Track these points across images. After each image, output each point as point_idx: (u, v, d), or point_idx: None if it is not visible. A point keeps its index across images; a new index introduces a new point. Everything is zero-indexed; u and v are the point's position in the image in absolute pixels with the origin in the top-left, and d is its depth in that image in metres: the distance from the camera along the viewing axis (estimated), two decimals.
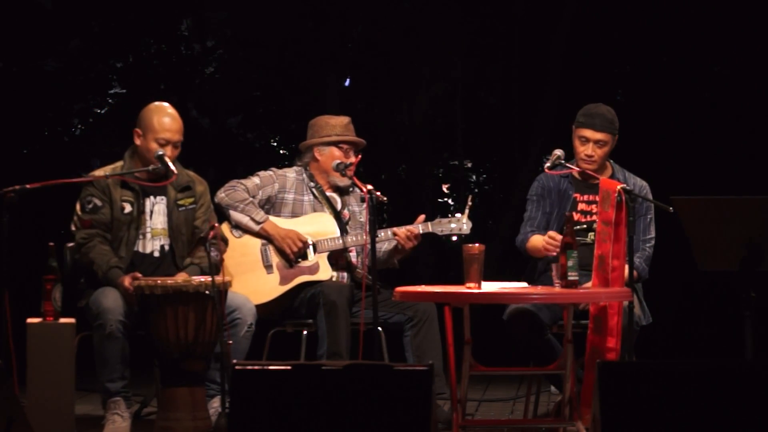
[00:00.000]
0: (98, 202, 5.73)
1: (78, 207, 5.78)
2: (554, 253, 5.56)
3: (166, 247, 5.82)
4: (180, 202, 5.85)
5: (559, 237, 5.52)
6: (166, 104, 5.86)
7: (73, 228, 5.77)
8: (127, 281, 5.56)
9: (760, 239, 4.66)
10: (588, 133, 5.81)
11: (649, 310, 5.87)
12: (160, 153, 5.73)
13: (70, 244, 5.93)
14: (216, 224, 5.77)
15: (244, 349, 5.69)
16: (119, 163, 5.84)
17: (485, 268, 5.20)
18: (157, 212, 5.81)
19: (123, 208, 5.75)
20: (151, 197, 5.81)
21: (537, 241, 5.83)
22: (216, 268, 5.42)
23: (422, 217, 6.05)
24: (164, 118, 5.78)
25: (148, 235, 5.80)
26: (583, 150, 5.83)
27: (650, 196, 5.89)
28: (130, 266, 5.69)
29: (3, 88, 10.00)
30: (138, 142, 5.79)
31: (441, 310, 5.28)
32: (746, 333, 4.71)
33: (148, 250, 5.79)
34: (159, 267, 5.77)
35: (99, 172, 5.82)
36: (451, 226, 6.01)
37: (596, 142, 5.81)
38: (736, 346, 4.91)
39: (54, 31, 10.23)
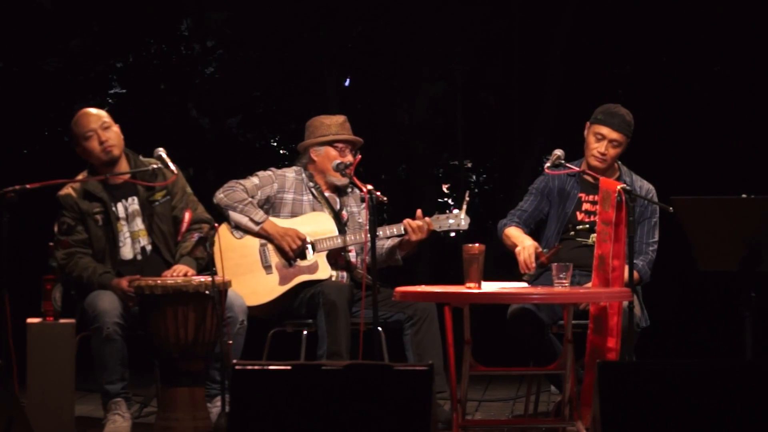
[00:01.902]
0: (71, 222, 5.69)
1: (56, 229, 5.75)
2: (524, 271, 5.70)
3: (148, 248, 5.78)
4: (152, 198, 5.81)
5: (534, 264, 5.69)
6: (83, 109, 5.85)
7: (54, 250, 5.73)
8: (124, 282, 5.55)
9: (760, 239, 4.66)
10: (605, 131, 5.81)
11: (648, 310, 5.87)
12: (160, 152, 5.73)
13: None
14: (216, 225, 5.75)
15: (238, 345, 5.68)
16: (84, 173, 5.79)
17: (485, 268, 5.21)
18: (132, 214, 5.78)
19: (96, 221, 5.72)
20: (123, 201, 5.76)
21: (512, 233, 5.86)
22: (210, 240, 5.40)
23: (420, 211, 6.04)
24: (79, 118, 5.76)
25: (128, 241, 5.76)
26: (597, 147, 5.82)
27: (656, 201, 5.88)
28: (117, 276, 5.67)
29: (3, 88, 10.00)
30: (81, 155, 5.76)
31: (441, 309, 5.28)
32: (746, 333, 4.71)
33: (130, 256, 5.75)
34: (143, 270, 5.71)
35: (63, 192, 5.74)
36: (449, 222, 6.01)
37: (611, 141, 5.81)
38: (736, 346, 4.91)
39: (54, 31, 10.23)
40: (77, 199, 5.70)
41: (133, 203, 5.77)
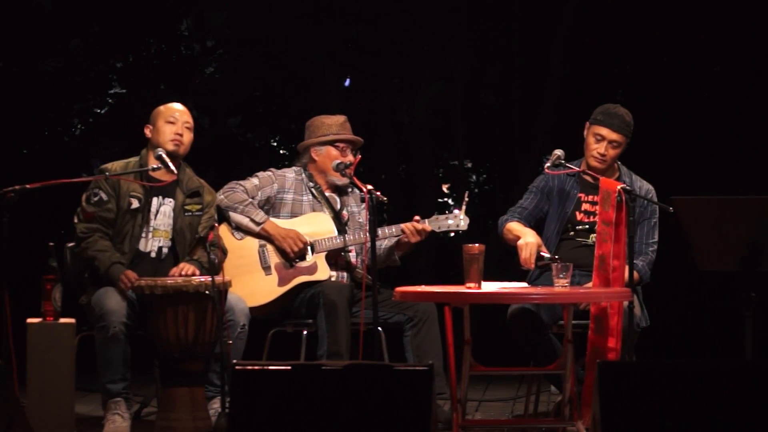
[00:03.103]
0: (104, 196, 5.74)
1: (83, 198, 5.78)
2: (524, 266, 5.69)
3: (165, 250, 5.82)
4: (187, 207, 5.85)
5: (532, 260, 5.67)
6: None
7: (76, 220, 5.77)
8: (131, 275, 5.56)
9: (760, 239, 4.66)
10: (604, 131, 5.81)
11: (648, 310, 5.87)
12: (160, 152, 5.75)
13: (70, 244, 5.93)
14: (216, 225, 5.75)
15: (239, 349, 5.70)
16: (134, 159, 5.86)
17: (485, 268, 5.21)
18: (162, 213, 5.82)
19: (130, 204, 5.76)
20: (159, 197, 5.82)
21: (514, 226, 5.86)
22: (215, 268, 5.41)
23: (417, 218, 6.05)
24: (171, 105, 5.92)
25: (150, 235, 5.80)
26: (596, 148, 5.82)
27: (656, 201, 5.88)
28: (130, 264, 5.70)
29: (3, 88, 9.99)
30: (149, 134, 5.84)
31: (441, 310, 5.28)
32: (746, 333, 4.71)
33: (147, 250, 5.80)
34: (156, 268, 5.75)
35: (107, 166, 5.82)
36: (449, 222, 6.02)
37: (611, 142, 5.81)
38: (736, 346, 4.91)
39: (54, 31, 10.22)
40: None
41: (168, 204, 5.81)
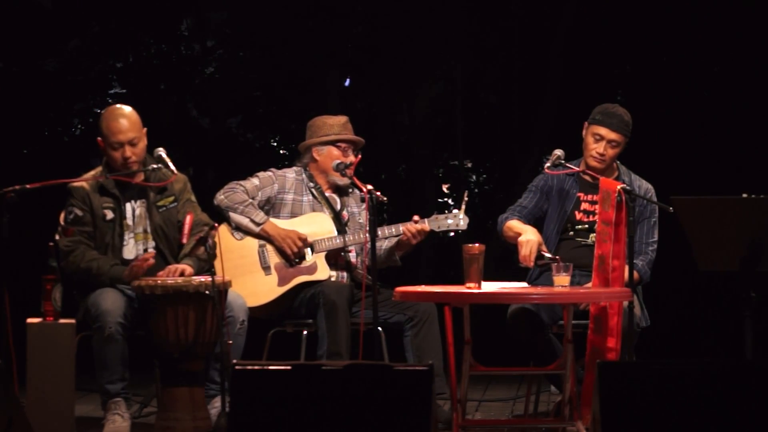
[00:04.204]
0: (79, 212, 5.69)
1: (62, 217, 5.76)
2: (523, 263, 5.68)
3: (150, 251, 5.79)
4: (159, 203, 5.81)
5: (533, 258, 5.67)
6: (118, 106, 5.83)
7: (57, 237, 5.74)
8: (145, 261, 5.56)
9: (760, 239, 4.66)
10: (603, 131, 5.82)
11: (648, 310, 5.87)
12: (160, 152, 5.74)
13: None
14: (216, 225, 5.75)
15: (239, 345, 5.68)
16: (99, 169, 5.81)
17: (485, 268, 5.21)
18: (138, 216, 5.78)
19: (105, 216, 5.71)
20: (132, 202, 5.77)
21: (514, 224, 5.86)
22: (212, 255, 5.39)
23: (416, 217, 6.05)
24: (112, 122, 5.73)
25: (131, 241, 5.76)
26: (595, 148, 5.83)
27: (655, 200, 5.89)
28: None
29: (3, 88, 9.99)
30: (103, 148, 5.77)
31: (441, 310, 5.28)
32: (746, 333, 4.71)
33: (132, 256, 5.75)
34: (147, 272, 5.72)
35: (83, 179, 5.77)
36: (448, 222, 6.02)
37: (609, 141, 5.82)
38: (736, 346, 4.91)
39: (54, 31, 10.22)
40: (90, 192, 5.72)
41: (141, 206, 5.78)
